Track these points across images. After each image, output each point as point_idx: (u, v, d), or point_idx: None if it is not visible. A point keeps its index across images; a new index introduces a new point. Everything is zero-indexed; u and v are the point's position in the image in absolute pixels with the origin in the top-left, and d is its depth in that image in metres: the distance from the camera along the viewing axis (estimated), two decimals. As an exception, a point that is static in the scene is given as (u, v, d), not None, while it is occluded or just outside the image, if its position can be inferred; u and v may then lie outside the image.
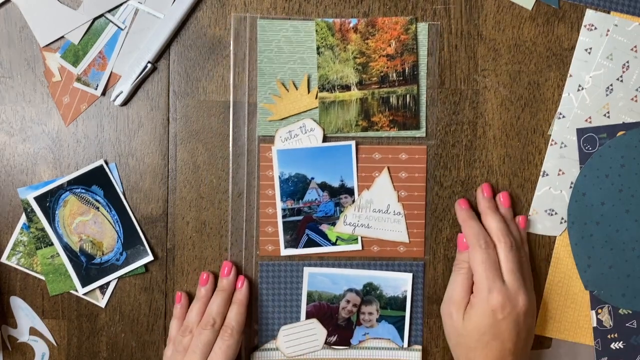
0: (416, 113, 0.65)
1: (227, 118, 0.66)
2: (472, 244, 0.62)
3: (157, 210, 0.66)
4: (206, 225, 0.66)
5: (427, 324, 0.68)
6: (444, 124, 0.66)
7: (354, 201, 0.66)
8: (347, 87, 0.65)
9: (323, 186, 0.66)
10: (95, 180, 0.66)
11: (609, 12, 0.66)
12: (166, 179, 0.66)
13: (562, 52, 0.66)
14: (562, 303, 0.68)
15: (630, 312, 0.67)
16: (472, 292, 0.62)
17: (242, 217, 0.66)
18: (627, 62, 0.66)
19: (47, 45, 0.65)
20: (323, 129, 0.65)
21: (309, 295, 0.67)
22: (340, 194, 0.66)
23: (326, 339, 0.67)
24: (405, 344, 0.67)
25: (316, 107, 0.65)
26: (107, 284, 0.67)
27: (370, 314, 0.67)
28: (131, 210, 0.66)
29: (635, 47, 0.66)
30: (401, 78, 0.65)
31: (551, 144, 0.66)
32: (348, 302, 0.67)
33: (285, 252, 0.66)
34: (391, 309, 0.67)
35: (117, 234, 0.66)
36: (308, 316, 0.67)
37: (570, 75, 0.66)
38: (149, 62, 0.64)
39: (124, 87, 0.64)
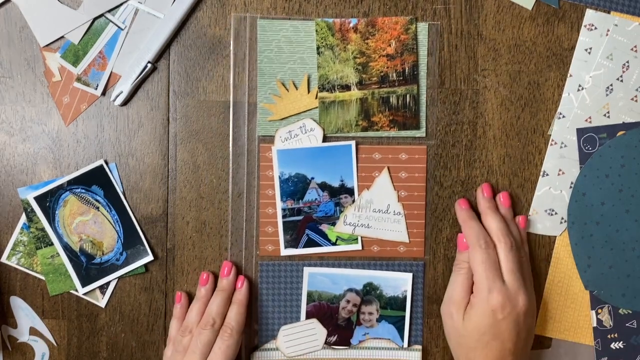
0: (416, 113, 0.65)
1: (227, 118, 0.66)
2: (472, 244, 0.62)
3: (157, 210, 0.66)
4: (206, 225, 0.67)
5: (427, 324, 0.68)
6: (444, 124, 0.66)
7: (354, 201, 0.66)
8: (347, 87, 0.65)
9: (323, 186, 0.66)
10: (95, 180, 0.66)
11: (609, 12, 0.66)
12: (166, 179, 0.66)
13: (562, 52, 0.66)
14: (562, 303, 0.68)
15: (630, 312, 0.67)
16: (472, 292, 0.62)
17: (242, 217, 0.66)
18: (627, 62, 0.66)
19: (47, 45, 0.65)
20: (323, 129, 0.65)
21: (309, 295, 0.67)
22: (340, 193, 0.66)
23: (326, 339, 0.67)
24: (405, 344, 0.67)
25: (316, 107, 0.65)
26: (107, 284, 0.67)
27: (370, 314, 0.67)
28: (131, 210, 0.66)
29: (635, 47, 0.66)
30: (401, 78, 0.65)
31: (551, 144, 0.66)
32: (348, 302, 0.67)
33: (285, 252, 0.66)
34: (391, 308, 0.67)
35: (117, 234, 0.66)
36: (308, 316, 0.67)
37: (570, 75, 0.66)
38: (149, 62, 0.64)
39: (124, 87, 0.64)
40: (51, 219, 0.65)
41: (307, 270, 0.67)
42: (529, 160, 0.67)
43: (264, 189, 0.66)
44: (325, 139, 0.65)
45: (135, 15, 0.64)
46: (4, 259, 0.66)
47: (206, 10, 0.65)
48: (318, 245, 0.66)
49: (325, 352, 0.67)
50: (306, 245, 0.66)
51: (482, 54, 0.66)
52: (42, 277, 0.66)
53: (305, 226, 0.66)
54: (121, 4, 0.64)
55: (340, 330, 0.67)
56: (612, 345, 0.68)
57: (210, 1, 0.65)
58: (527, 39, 0.66)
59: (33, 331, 0.67)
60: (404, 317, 0.67)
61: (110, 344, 0.67)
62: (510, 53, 0.66)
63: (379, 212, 0.66)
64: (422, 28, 0.65)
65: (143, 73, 0.64)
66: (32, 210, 0.65)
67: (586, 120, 0.66)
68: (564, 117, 0.66)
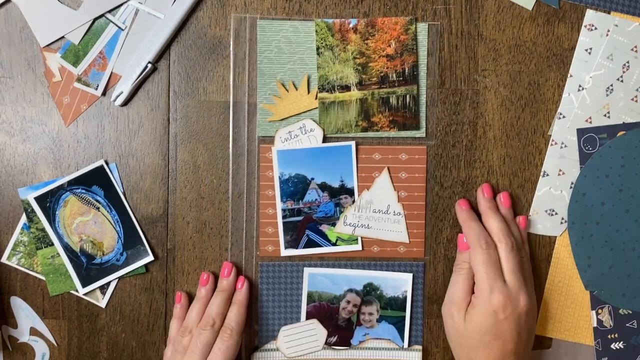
0: (416, 113, 0.65)
1: (227, 118, 0.66)
2: (473, 244, 0.62)
3: (157, 211, 0.66)
4: (206, 226, 0.67)
5: (427, 324, 0.68)
6: (444, 124, 0.66)
7: (354, 201, 0.66)
8: (347, 88, 0.65)
9: (323, 186, 0.66)
10: (95, 181, 0.66)
11: (609, 12, 0.66)
12: (166, 179, 0.66)
13: (562, 52, 0.66)
14: (562, 303, 0.68)
15: (631, 312, 0.67)
16: (473, 293, 0.62)
17: (242, 218, 0.66)
18: (628, 62, 0.66)
19: (47, 46, 0.65)
20: (323, 129, 0.65)
21: (309, 295, 0.67)
22: (340, 194, 0.66)
23: (326, 340, 0.67)
24: (406, 344, 0.67)
25: (316, 108, 0.65)
26: (108, 284, 0.67)
27: (370, 314, 0.67)
28: (131, 211, 0.66)
29: (636, 47, 0.66)
30: (401, 78, 0.65)
31: (551, 144, 0.66)
32: (348, 302, 0.67)
33: (285, 252, 0.66)
34: (391, 309, 0.67)
35: (118, 234, 0.66)
36: (308, 316, 0.67)
37: (571, 76, 0.66)
38: (149, 62, 0.64)
39: (124, 87, 0.64)
40: (51, 219, 0.65)
41: (307, 271, 0.67)
42: (529, 160, 0.67)
43: (264, 189, 0.66)
44: (325, 139, 0.65)
45: (135, 15, 0.64)
46: (4, 259, 0.66)
47: (206, 11, 0.65)
48: (318, 245, 0.66)
49: (326, 353, 0.67)
50: (306, 246, 0.66)
51: (482, 54, 0.66)
52: (43, 278, 0.66)
53: (305, 227, 0.66)
54: (121, 4, 0.64)
55: (341, 331, 0.67)
56: (612, 346, 0.68)
57: (211, 1, 0.65)
58: (527, 39, 0.66)
59: (33, 331, 0.67)
60: (404, 318, 0.67)
61: (111, 344, 0.67)
62: (511, 53, 0.66)
63: (379, 212, 0.66)
64: (422, 28, 0.65)
65: (143, 73, 0.64)
66: (33, 211, 0.65)
67: (586, 120, 0.66)
68: (564, 117, 0.66)
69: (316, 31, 0.65)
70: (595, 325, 0.68)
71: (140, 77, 0.64)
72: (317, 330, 0.67)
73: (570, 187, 0.66)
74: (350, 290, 0.67)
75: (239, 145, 0.66)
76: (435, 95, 0.66)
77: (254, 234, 0.66)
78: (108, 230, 0.66)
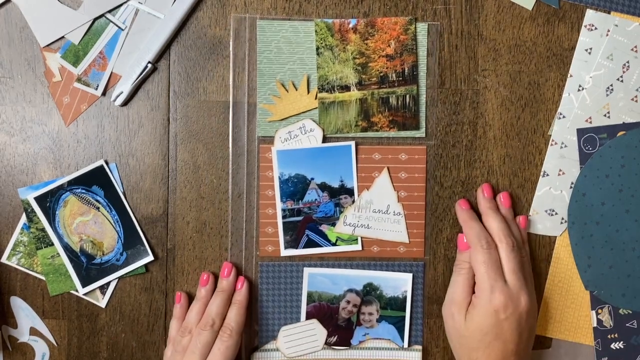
0: (416, 113, 0.65)
1: (227, 118, 0.66)
2: (473, 244, 0.62)
3: (157, 211, 0.66)
4: (206, 226, 0.67)
5: (427, 324, 0.68)
6: (444, 124, 0.66)
7: (353, 201, 0.66)
8: (346, 88, 0.65)
9: (323, 187, 0.66)
10: (95, 181, 0.66)
11: (609, 12, 0.66)
12: (166, 179, 0.66)
13: (562, 52, 0.66)
14: (562, 303, 0.68)
15: (630, 312, 0.67)
16: (473, 293, 0.62)
17: (242, 218, 0.66)
18: (628, 62, 0.66)
19: (47, 46, 0.65)
20: (323, 129, 0.65)
21: (309, 295, 0.67)
22: (340, 194, 0.66)
23: (326, 340, 0.67)
24: (406, 344, 0.67)
25: (316, 108, 0.65)
26: (108, 284, 0.67)
27: (370, 314, 0.67)
28: (131, 211, 0.66)
29: (636, 47, 0.65)
30: (401, 78, 0.65)
31: (551, 144, 0.66)
32: (348, 302, 0.67)
33: (285, 252, 0.66)
34: (391, 309, 0.67)
35: (118, 234, 0.66)
36: (308, 317, 0.67)
37: (571, 76, 0.66)
38: (149, 62, 0.64)
39: (124, 87, 0.64)
40: (51, 219, 0.65)
41: (307, 271, 0.67)
42: (529, 160, 0.67)
43: (264, 189, 0.66)
44: (325, 139, 0.65)
45: (135, 15, 0.65)
46: (4, 259, 0.66)
47: (206, 11, 0.65)
48: (318, 245, 0.66)
49: (326, 353, 0.67)
50: (306, 246, 0.66)
51: (482, 54, 0.66)
52: (43, 277, 0.66)
53: (305, 227, 0.66)
54: (121, 4, 0.64)
55: (341, 331, 0.67)
56: (612, 346, 0.68)
57: (211, 1, 0.65)
58: (527, 39, 0.66)
59: (33, 331, 0.67)
60: (404, 318, 0.67)
61: (111, 344, 0.67)
62: (511, 53, 0.66)
63: (379, 212, 0.66)
64: (422, 28, 0.65)
65: (143, 73, 0.64)
66: (33, 211, 0.65)
67: (586, 120, 0.66)
68: (564, 117, 0.66)
69: (316, 31, 0.65)
70: (595, 325, 0.68)
71: (140, 77, 0.64)
72: (317, 330, 0.67)
73: (570, 187, 0.66)
74: (350, 290, 0.67)
75: (238, 145, 0.66)
76: (435, 95, 0.66)
77: (254, 234, 0.66)
78: (108, 230, 0.66)
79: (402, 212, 0.66)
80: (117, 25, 0.65)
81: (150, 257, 0.66)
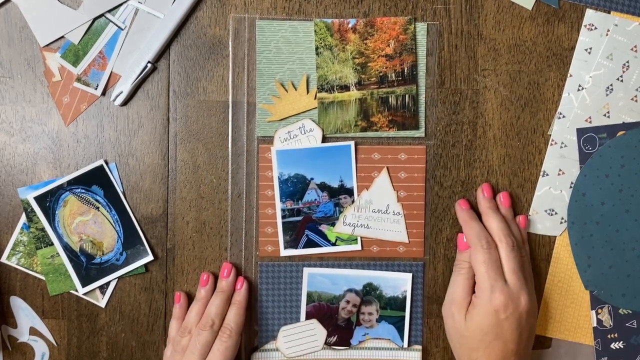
0: (415, 113, 0.65)
1: (227, 118, 0.66)
2: (473, 244, 0.62)
3: (157, 210, 0.66)
4: (206, 226, 0.67)
5: (427, 324, 0.68)
6: (444, 124, 0.66)
7: (353, 201, 0.66)
8: (346, 88, 0.65)
9: (322, 186, 0.66)
10: (95, 180, 0.66)
11: (609, 12, 0.66)
12: (166, 179, 0.66)
13: (562, 52, 0.66)
14: (562, 303, 0.68)
15: (630, 312, 0.67)
16: (473, 293, 0.62)
17: (241, 218, 0.66)
18: (627, 62, 0.65)
19: (47, 45, 0.65)
20: (322, 129, 0.65)
21: (309, 295, 0.67)
22: (339, 194, 0.66)
23: (326, 340, 0.67)
24: (405, 344, 0.67)
25: (315, 108, 0.65)
26: (107, 284, 0.67)
27: (370, 314, 0.67)
28: (131, 210, 0.66)
29: (635, 47, 0.65)
30: (400, 78, 0.65)
31: (551, 144, 0.66)
32: (348, 302, 0.67)
33: (284, 252, 0.66)
34: (391, 309, 0.67)
35: (117, 233, 0.66)
36: (308, 317, 0.67)
37: (570, 75, 0.66)
38: (149, 62, 0.64)
39: (124, 87, 0.64)
40: (51, 219, 0.65)
41: (306, 271, 0.67)
42: (529, 160, 0.67)
43: (264, 189, 0.66)
44: (324, 139, 0.65)
45: (135, 15, 0.65)
46: (4, 259, 0.66)
47: (206, 10, 0.65)
48: (318, 245, 0.66)
49: (325, 353, 0.67)
50: (306, 246, 0.66)
51: (482, 54, 0.66)
52: (42, 277, 0.66)
53: (304, 227, 0.66)
54: (121, 4, 0.64)
55: (340, 331, 0.67)
56: (612, 345, 0.68)
57: (210, 1, 0.65)
58: (527, 39, 0.66)
59: (33, 331, 0.67)
60: (403, 317, 0.67)
61: (110, 344, 0.67)
62: (510, 53, 0.66)
63: (379, 212, 0.66)
64: (421, 28, 0.65)
65: (143, 73, 0.64)
66: (32, 210, 0.65)
67: (586, 120, 0.66)
68: (564, 117, 0.66)
69: (315, 31, 0.65)
70: (595, 325, 0.68)
71: (140, 76, 0.64)
72: (316, 330, 0.67)
73: (570, 187, 0.66)
74: (350, 290, 0.67)
75: (238, 145, 0.66)
76: (434, 95, 0.66)
77: (254, 234, 0.66)
78: (108, 230, 0.66)
79: (402, 212, 0.66)
80: (116, 25, 0.65)
81: (150, 257, 0.66)
